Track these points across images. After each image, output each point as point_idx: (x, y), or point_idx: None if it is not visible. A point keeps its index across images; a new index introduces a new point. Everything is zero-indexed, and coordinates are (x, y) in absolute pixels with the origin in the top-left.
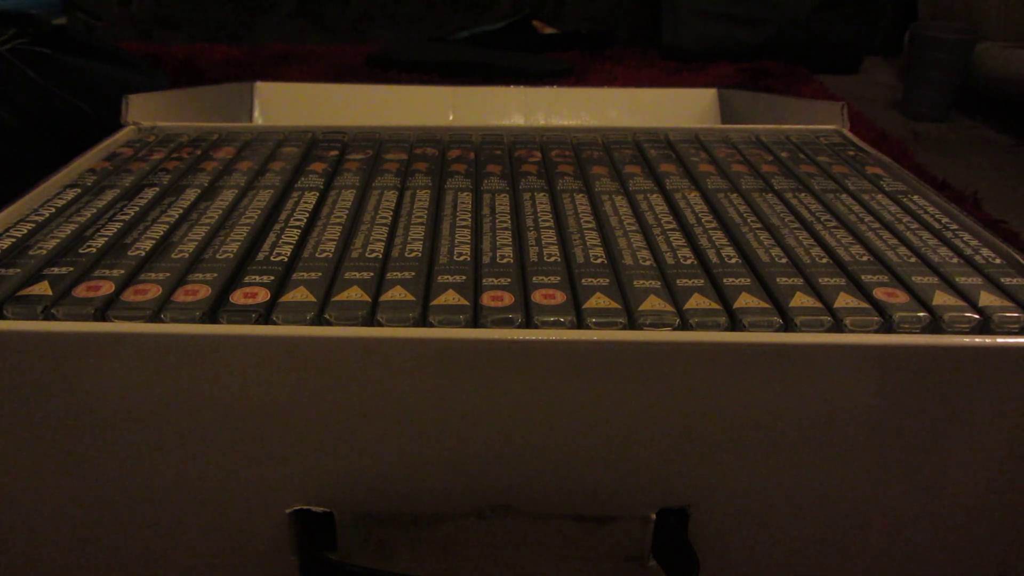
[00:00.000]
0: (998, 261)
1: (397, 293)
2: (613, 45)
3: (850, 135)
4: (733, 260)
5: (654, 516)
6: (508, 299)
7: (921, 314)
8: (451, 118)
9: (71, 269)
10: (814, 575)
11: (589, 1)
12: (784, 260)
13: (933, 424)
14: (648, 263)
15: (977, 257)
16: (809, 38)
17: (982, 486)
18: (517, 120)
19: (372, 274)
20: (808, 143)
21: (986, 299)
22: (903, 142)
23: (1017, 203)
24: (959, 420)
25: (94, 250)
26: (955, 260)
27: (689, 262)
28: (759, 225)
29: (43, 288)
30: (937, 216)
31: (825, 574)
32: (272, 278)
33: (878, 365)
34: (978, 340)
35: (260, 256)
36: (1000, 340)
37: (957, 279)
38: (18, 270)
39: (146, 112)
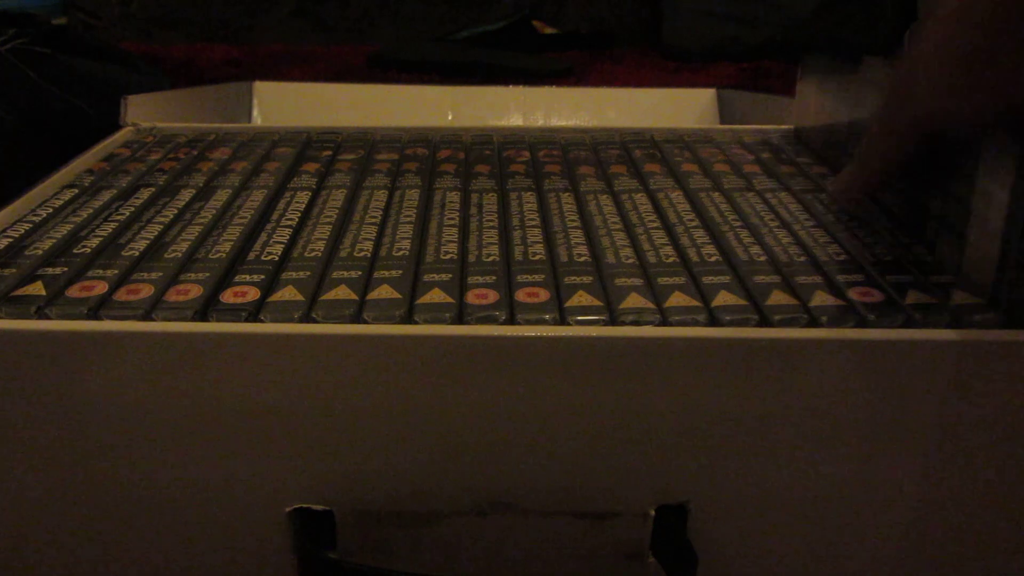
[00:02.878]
0: None
1: (384, 292)
2: (613, 45)
3: None
4: (713, 258)
5: (653, 513)
6: (492, 297)
7: (896, 314)
8: (450, 118)
9: (65, 269)
10: (813, 572)
11: (589, 1)
12: (763, 258)
13: (927, 419)
14: (631, 261)
15: None
16: (809, 38)
17: (981, 483)
18: (516, 120)
19: (360, 273)
20: (790, 143)
21: (959, 297)
22: None
23: None
24: (954, 415)
25: (88, 250)
26: (930, 258)
27: (671, 260)
28: (739, 224)
29: (37, 288)
30: None
31: (824, 570)
32: (262, 277)
33: (865, 360)
34: (963, 334)
35: (251, 256)
36: (984, 335)
37: (932, 277)
38: (13, 270)
39: (145, 112)
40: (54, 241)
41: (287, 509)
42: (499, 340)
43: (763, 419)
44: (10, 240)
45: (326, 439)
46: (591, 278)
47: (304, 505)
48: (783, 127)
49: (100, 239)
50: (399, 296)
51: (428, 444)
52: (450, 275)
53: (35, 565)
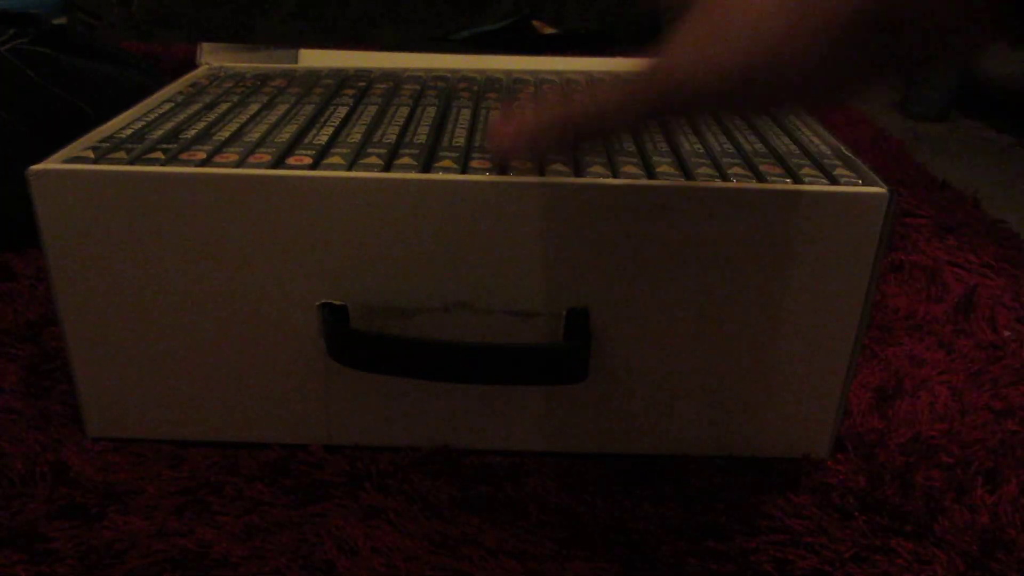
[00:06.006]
0: (829, 152)
1: (405, 161)
2: (613, 45)
3: None
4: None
5: (564, 313)
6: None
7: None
8: None
9: (175, 145)
10: (687, 377)
11: (589, 1)
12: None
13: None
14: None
15: (813, 150)
16: None
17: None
18: None
19: (386, 150)
20: None
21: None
22: (903, 142)
23: (1017, 203)
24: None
25: (189, 136)
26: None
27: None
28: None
29: (158, 155)
30: (801, 128)
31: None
32: (314, 152)
33: (748, 209)
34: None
35: (307, 139)
36: (808, 188)
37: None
38: (140, 146)
39: (214, 58)
40: (163, 131)
41: (316, 303)
42: (505, 184)
43: (660, 253)
44: (132, 130)
45: (346, 254)
46: None
47: (328, 300)
48: None
49: (196, 130)
50: (416, 164)
51: (415, 256)
52: (458, 154)
53: (125, 352)
